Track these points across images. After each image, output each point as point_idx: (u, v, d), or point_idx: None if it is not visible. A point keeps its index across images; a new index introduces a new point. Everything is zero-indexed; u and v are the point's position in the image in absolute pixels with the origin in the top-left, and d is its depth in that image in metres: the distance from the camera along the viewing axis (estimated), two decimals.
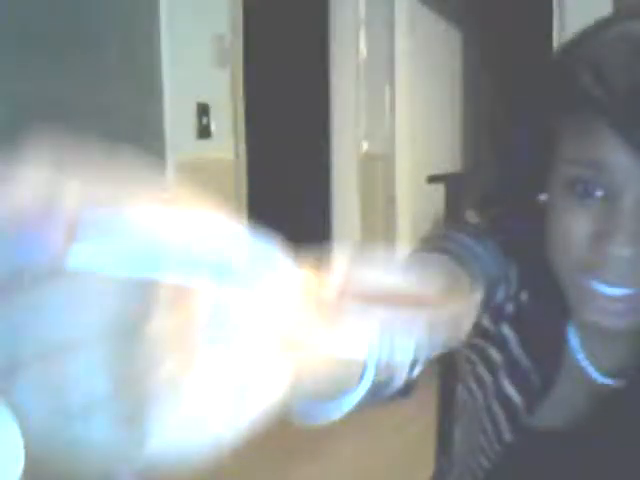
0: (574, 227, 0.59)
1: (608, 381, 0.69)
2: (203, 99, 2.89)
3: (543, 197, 0.64)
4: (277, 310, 0.28)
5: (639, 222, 0.56)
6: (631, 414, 0.67)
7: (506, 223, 0.69)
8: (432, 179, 4.08)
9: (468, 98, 4.67)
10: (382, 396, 0.49)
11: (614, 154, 0.55)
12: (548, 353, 0.70)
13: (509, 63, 4.61)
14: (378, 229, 3.76)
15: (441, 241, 0.65)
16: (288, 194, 4.04)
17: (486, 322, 0.72)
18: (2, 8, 2.28)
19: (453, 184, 4.09)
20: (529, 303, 0.70)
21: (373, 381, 0.46)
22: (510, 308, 0.71)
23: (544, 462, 0.71)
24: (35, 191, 0.22)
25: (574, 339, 0.70)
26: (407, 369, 0.52)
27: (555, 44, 3.23)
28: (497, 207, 0.72)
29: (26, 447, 0.27)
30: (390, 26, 3.75)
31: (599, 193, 0.57)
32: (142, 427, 0.24)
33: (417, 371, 0.55)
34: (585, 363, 0.69)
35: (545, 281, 0.66)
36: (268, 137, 3.76)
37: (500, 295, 0.68)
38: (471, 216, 0.72)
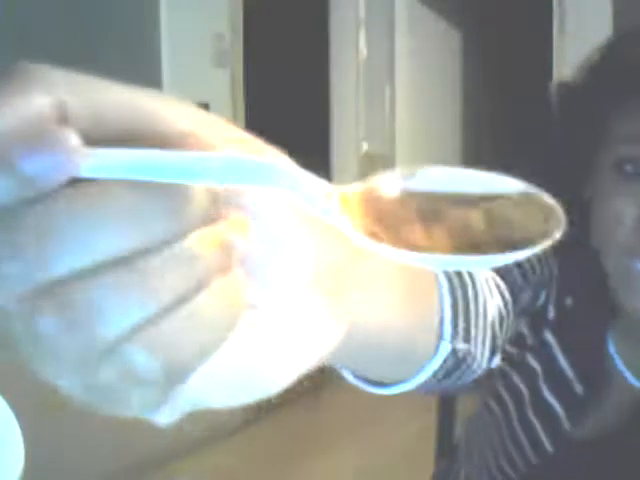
0: (621, 209, 0.60)
1: None
2: (203, 99, 2.89)
3: (586, 194, 0.66)
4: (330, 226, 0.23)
5: None
6: None
7: None
8: None
9: (468, 98, 4.67)
10: (459, 380, 0.48)
11: None
12: (590, 360, 0.70)
13: (509, 63, 4.61)
14: None
15: None
16: None
17: (524, 329, 0.72)
18: (2, 8, 2.28)
19: None
20: (573, 308, 0.70)
21: (449, 355, 0.44)
22: (552, 314, 0.71)
23: (584, 473, 0.70)
24: (37, 103, 0.19)
25: (613, 346, 0.70)
26: (487, 354, 0.50)
27: (555, 44, 3.22)
28: None
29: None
30: (390, 26, 3.75)
31: None
32: (182, 361, 0.21)
33: (496, 360, 0.53)
34: (624, 369, 0.69)
35: (589, 284, 0.67)
36: (268, 137, 3.75)
37: (542, 299, 0.69)
38: None
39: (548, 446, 0.71)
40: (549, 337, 0.71)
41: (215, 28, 2.92)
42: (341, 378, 0.46)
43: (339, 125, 3.69)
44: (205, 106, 2.88)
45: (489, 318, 0.51)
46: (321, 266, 0.26)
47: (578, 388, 0.70)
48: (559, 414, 0.71)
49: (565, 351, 0.71)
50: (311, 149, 4.09)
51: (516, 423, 0.73)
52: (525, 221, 0.24)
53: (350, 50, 3.62)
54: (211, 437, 2.74)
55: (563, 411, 0.70)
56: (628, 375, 0.69)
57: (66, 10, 2.41)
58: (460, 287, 0.46)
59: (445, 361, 0.45)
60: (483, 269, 0.22)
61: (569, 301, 0.70)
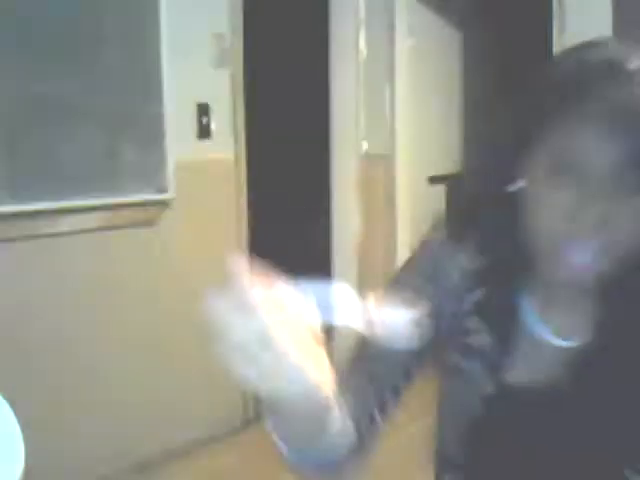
0: (551, 207, 0.71)
1: (565, 343, 0.79)
2: (203, 99, 2.89)
3: (513, 188, 0.76)
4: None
5: (605, 201, 0.68)
6: (592, 372, 0.77)
7: (477, 220, 0.82)
8: (433, 180, 4.07)
9: (468, 98, 4.66)
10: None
11: (588, 155, 0.68)
12: (505, 325, 0.80)
13: (509, 63, 4.61)
14: (378, 229, 3.76)
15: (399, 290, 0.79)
16: (288, 194, 4.04)
17: (451, 355, 0.84)
18: (3, 8, 2.28)
19: (453, 184, 4.08)
20: (486, 295, 0.81)
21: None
22: (470, 303, 0.81)
23: (521, 421, 0.79)
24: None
25: (530, 309, 0.81)
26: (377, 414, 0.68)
27: (555, 44, 3.22)
28: (474, 203, 0.84)
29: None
30: (390, 26, 3.75)
31: (573, 179, 0.69)
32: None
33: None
34: (542, 329, 0.80)
35: (505, 269, 0.80)
36: (268, 137, 3.75)
37: (452, 305, 0.81)
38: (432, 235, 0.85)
39: (482, 403, 0.81)
40: (471, 324, 0.81)
41: (215, 28, 2.92)
42: None
43: (339, 125, 3.69)
44: (205, 106, 2.88)
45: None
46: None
47: (496, 351, 0.80)
48: (485, 378, 0.81)
49: (489, 330, 0.80)
50: (311, 149, 4.08)
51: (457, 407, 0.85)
52: None
53: (350, 50, 3.61)
54: (211, 437, 2.74)
55: (486, 373, 0.80)
56: (547, 333, 0.80)
57: (66, 10, 2.41)
58: None
59: None
60: None
61: (483, 290, 0.81)
